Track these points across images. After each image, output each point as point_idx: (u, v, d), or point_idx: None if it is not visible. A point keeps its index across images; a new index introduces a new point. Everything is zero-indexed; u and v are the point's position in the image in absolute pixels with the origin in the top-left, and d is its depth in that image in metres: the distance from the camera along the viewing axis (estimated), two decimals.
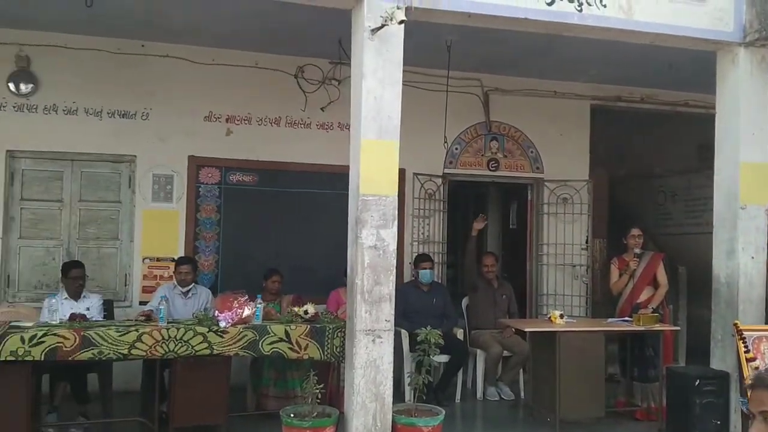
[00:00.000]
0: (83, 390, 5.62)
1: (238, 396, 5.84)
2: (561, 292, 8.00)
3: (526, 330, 6.24)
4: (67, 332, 4.85)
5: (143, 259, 6.93)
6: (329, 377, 5.62)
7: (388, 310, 4.70)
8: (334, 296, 6.52)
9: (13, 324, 5.06)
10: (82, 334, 4.85)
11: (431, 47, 6.56)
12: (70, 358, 4.85)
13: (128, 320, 5.65)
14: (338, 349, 5.20)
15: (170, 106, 6.97)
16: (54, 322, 5.12)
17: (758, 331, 5.28)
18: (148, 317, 5.46)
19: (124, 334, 4.93)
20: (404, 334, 6.42)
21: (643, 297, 6.38)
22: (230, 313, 5.23)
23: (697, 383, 5.22)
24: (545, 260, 8.11)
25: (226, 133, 7.17)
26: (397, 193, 4.77)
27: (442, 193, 7.77)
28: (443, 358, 6.39)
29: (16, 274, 6.72)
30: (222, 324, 5.15)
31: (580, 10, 5.14)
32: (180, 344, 4.99)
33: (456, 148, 7.86)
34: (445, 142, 7.40)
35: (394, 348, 4.83)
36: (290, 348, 5.22)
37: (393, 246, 4.73)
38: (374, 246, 4.67)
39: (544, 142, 8.16)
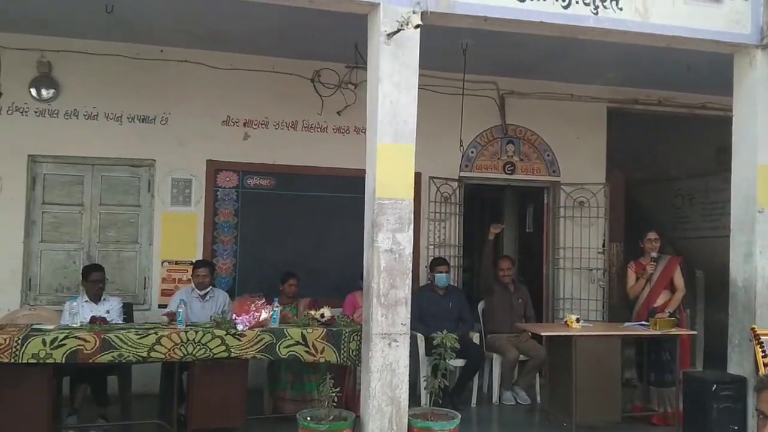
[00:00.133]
0: (103, 392, 5.69)
1: (255, 399, 5.88)
2: (577, 296, 7.98)
3: (543, 334, 6.22)
4: (88, 335, 4.92)
5: (162, 263, 7.00)
6: (345, 381, 5.64)
7: (404, 313, 4.72)
8: (350, 299, 6.56)
9: (34, 327, 5.14)
10: (102, 336, 4.92)
11: (447, 51, 6.58)
12: (90, 361, 4.92)
13: (148, 323, 5.73)
14: (354, 353, 5.23)
15: (189, 111, 7.05)
16: (75, 325, 5.19)
17: None
18: (173, 318, 5.52)
19: (144, 336, 4.99)
20: (420, 337, 6.43)
21: (660, 301, 6.34)
22: (248, 317, 5.28)
23: (714, 388, 5.19)
24: (562, 264, 8.09)
25: (244, 137, 7.23)
26: (412, 197, 4.79)
27: (457, 196, 7.78)
28: (459, 362, 6.40)
29: (38, 277, 6.82)
30: (239, 327, 5.20)
31: (596, 13, 5.14)
32: (198, 347, 5.05)
33: (472, 152, 7.87)
34: (461, 145, 7.40)
35: (410, 352, 4.85)
36: (307, 351, 5.26)
37: (409, 249, 4.74)
38: (390, 249, 4.69)
39: (561, 146, 8.15)
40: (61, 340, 4.84)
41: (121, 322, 5.85)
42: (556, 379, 6.00)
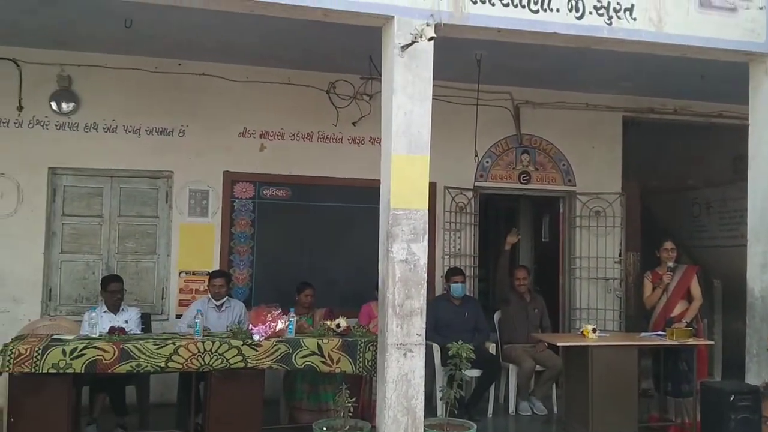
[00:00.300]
0: (122, 402, 5.75)
1: (271, 409, 5.91)
2: (594, 306, 7.95)
3: (559, 344, 6.21)
4: (107, 345, 4.98)
5: (180, 273, 7.07)
6: (361, 391, 5.66)
7: (419, 324, 4.73)
8: (366, 310, 6.58)
9: (54, 337, 5.22)
10: (120, 347, 4.98)
11: (462, 61, 6.62)
12: (109, 371, 4.98)
13: (166, 333, 5.78)
14: (370, 363, 5.24)
15: (206, 123, 7.12)
16: (94, 335, 5.27)
17: None
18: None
19: (162, 347, 5.05)
20: (436, 348, 6.43)
21: (676, 311, 6.31)
22: (264, 327, 5.31)
23: (731, 398, 5.15)
24: (578, 274, 8.06)
25: (260, 148, 7.30)
26: (427, 207, 4.80)
27: (473, 206, 7.78)
28: (475, 373, 6.39)
29: (58, 287, 6.90)
30: (256, 337, 5.24)
31: (610, 24, 5.15)
32: (215, 357, 5.09)
33: (487, 162, 7.88)
34: (476, 155, 7.43)
35: (426, 362, 4.85)
36: (322, 361, 5.28)
37: (424, 260, 4.76)
38: (405, 260, 4.71)
39: (576, 155, 8.14)
40: (80, 351, 4.91)
41: (139, 332, 5.91)
42: (573, 389, 5.98)
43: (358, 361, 5.30)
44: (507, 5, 4.94)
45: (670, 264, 6.38)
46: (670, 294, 6.32)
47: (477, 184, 7.84)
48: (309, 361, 5.27)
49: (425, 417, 4.83)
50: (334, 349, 5.30)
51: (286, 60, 7.01)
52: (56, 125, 6.84)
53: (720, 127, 8.38)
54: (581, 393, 5.70)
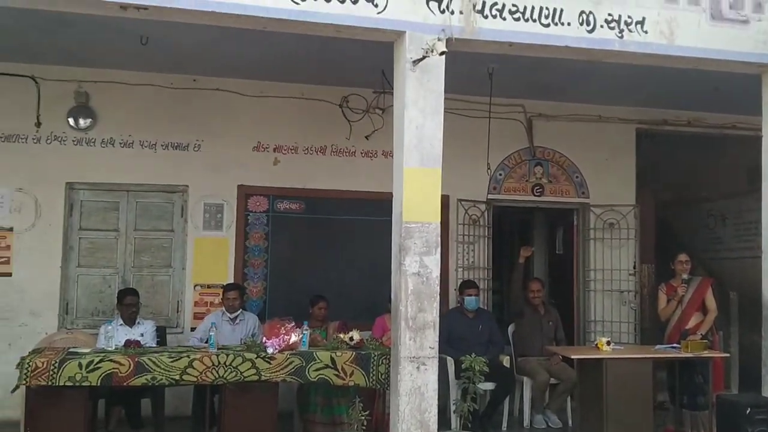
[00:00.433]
0: (137, 414, 5.79)
1: (285, 422, 5.91)
2: (609, 319, 7.91)
3: (573, 357, 6.18)
4: (122, 358, 5.03)
5: (195, 286, 7.12)
6: (375, 404, 5.65)
7: (432, 337, 4.73)
8: (379, 323, 6.58)
9: (71, 350, 5.27)
10: (136, 360, 5.02)
11: (474, 75, 6.64)
12: (124, 384, 5.02)
13: (181, 346, 5.82)
14: (383, 376, 5.25)
15: (221, 138, 7.20)
16: (110, 349, 5.31)
17: None
18: None
19: (176, 360, 5.08)
20: (450, 361, 6.41)
21: (691, 323, 6.28)
22: (277, 340, 5.33)
23: (748, 411, 5.11)
24: (592, 286, 8.04)
25: (274, 162, 7.36)
26: (439, 220, 4.81)
27: (486, 218, 7.79)
28: (489, 386, 6.36)
29: (75, 301, 6.97)
30: (269, 350, 5.27)
31: (621, 37, 5.15)
32: (229, 370, 5.11)
33: (500, 174, 7.89)
34: (488, 168, 7.44)
35: (440, 375, 4.85)
36: (336, 374, 5.30)
37: (436, 273, 4.77)
38: (417, 273, 4.72)
39: (590, 167, 8.13)
40: (96, 364, 4.96)
41: (154, 345, 5.97)
42: (588, 402, 5.95)
43: (371, 374, 5.31)
44: (518, 19, 4.96)
45: (685, 276, 6.35)
46: (684, 306, 6.29)
47: (490, 196, 7.85)
48: (322, 374, 5.28)
49: (439, 430, 4.81)
50: (347, 362, 5.32)
51: (300, 75, 7.07)
52: (74, 141, 6.94)
53: (734, 138, 8.34)
54: (596, 406, 5.67)
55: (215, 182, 7.19)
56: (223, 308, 6.37)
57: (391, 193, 4.99)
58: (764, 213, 5.58)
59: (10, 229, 6.78)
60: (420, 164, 4.77)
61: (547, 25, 5.01)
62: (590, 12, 5.07)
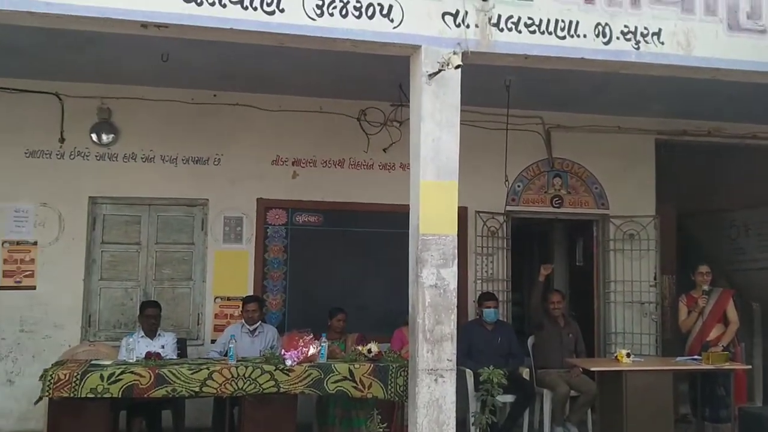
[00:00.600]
0: (158, 426, 5.84)
1: None
2: (630, 330, 7.85)
3: (592, 369, 6.14)
4: (143, 370, 5.08)
5: (215, 299, 7.19)
6: (393, 416, 5.63)
7: (449, 349, 4.72)
8: (398, 335, 6.59)
9: (93, 362, 5.35)
10: (156, 372, 5.08)
11: (491, 87, 6.66)
12: (145, 395, 5.08)
13: (201, 358, 5.86)
14: (402, 388, 5.25)
15: (240, 152, 7.29)
16: (131, 361, 5.37)
17: None
18: None
19: (196, 372, 5.13)
20: (469, 373, 6.40)
21: (713, 335, 6.22)
22: (296, 352, 5.37)
23: None
24: (612, 298, 7.98)
25: (293, 175, 7.42)
26: (456, 233, 4.80)
27: (504, 230, 7.78)
28: (508, 398, 6.34)
29: (97, 313, 7.07)
30: (288, 362, 5.30)
31: (638, 48, 5.13)
32: (248, 382, 5.15)
33: (518, 186, 7.89)
34: (506, 180, 7.44)
35: (459, 387, 4.84)
36: (354, 387, 5.31)
37: (453, 285, 4.76)
38: (435, 285, 4.72)
39: (609, 178, 8.10)
40: (117, 375, 5.02)
41: (175, 357, 6.02)
42: (608, 414, 5.91)
43: (389, 387, 5.32)
44: (534, 32, 4.96)
45: (705, 287, 6.30)
46: (705, 318, 6.23)
47: (509, 208, 7.84)
48: (341, 386, 5.30)
49: None
50: (365, 375, 5.33)
51: (318, 89, 7.14)
52: (96, 156, 7.06)
53: (755, 148, 8.27)
54: (616, 418, 5.64)
55: (235, 196, 7.27)
56: (243, 320, 6.43)
57: (408, 206, 5.01)
58: None
59: (35, 243, 6.90)
60: (436, 177, 4.78)
61: (563, 38, 5.00)
62: (606, 24, 5.06)
